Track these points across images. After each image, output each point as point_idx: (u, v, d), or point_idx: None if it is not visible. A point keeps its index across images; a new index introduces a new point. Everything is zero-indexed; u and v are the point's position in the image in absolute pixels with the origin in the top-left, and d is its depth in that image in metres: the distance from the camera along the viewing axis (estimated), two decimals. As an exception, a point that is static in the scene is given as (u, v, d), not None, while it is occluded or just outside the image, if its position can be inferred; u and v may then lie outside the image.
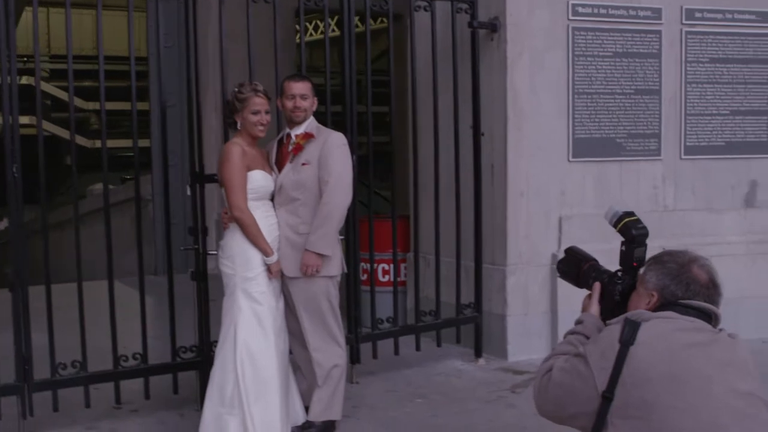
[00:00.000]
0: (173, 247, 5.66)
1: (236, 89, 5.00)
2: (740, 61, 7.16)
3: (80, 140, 19.85)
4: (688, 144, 7.08)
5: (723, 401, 2.50)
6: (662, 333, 2.57)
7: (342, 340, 5.16)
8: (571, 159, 6.72)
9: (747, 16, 7.15)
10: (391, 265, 6.76)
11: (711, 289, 2.70)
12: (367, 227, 6.28)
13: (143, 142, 10.75)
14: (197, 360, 5.45)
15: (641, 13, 6.84)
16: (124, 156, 14.62)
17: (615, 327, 2.64)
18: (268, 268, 4.87)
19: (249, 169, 4.89)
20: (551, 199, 6.68)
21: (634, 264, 2.91)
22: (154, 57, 9.12)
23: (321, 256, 4.86)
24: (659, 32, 6.91)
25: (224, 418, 4.76)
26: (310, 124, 5.03)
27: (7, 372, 5.09)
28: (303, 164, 4.93)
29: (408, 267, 6.97)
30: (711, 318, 2.67)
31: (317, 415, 5.07)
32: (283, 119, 5.20)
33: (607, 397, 2.56)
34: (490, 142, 6.60)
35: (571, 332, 2.95)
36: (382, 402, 5.74)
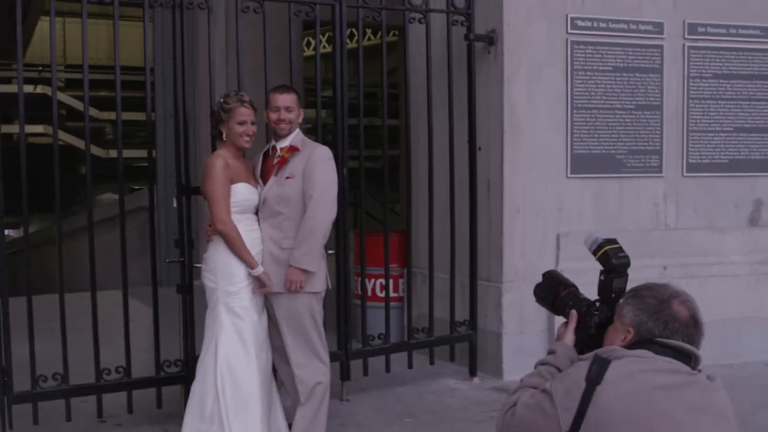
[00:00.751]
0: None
1: (222, 99, 4.94)
2: (744, 77, 7.04)
3: (95, 150, 19.95)
4: (690, 161, 6.96)
5: None
6: (632, 373, 2.42)
7: (326, 356, 5.06)
8: (569, 175, 6.61)
9: (751, 31, 7.03)
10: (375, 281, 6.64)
11: (691, 328, 2.54)
12: (369, 242, 6.22)
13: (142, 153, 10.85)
14: (182, 374, 5.38)
15: (642, 27, 6.75)
16: (133, 166, 14.69)
17: (583, 364, 2.50)
18: (255, 281, 4.80)
19: (233, 181, 4.83)
20: (548, 215, 6.58)
21: (613, 295, 2.75)
22: (159, 68, 9.17)
23: (305, 271, 4.77)
24: (661, 47, 6.81)
25: (203, 433, 4.70)
26: (295, 137, 4.96)
27: (-13, 384, 5.04)
28: (287, 178, 4.86)
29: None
30: (690, 359, 2.52)
31: (300, 432, 4.98)
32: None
33: None
34: (486, 157, 6.51)
35: (542, 362, 2.81)
36: (370, 420, 5.64)
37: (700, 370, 2.53)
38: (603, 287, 2.79)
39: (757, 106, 7.10)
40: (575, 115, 6.59)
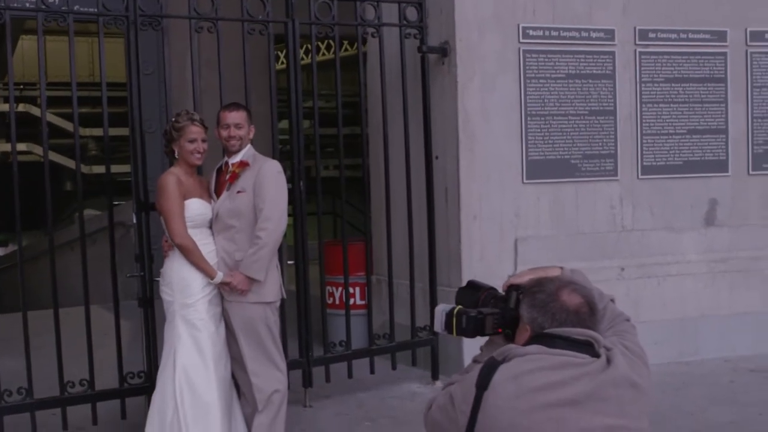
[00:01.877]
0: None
1: (173, 119, 5.08)
2: (696, 81, 7.21)
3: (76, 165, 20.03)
4: (645, 164, 7.12)
5: None
6: (514, 375, 2.47)
7: (282, 365, 5.20)
8: (525, 181, 6.76)
9: (702, 35, 7.20)
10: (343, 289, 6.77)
11: (583, 314, 2.57)
12: (331, 250, 6.32)
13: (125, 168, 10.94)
14: (145, 385, 5.50)
15: (594, 35, 6.91)
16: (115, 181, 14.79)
17: (478, 367, 2.56)
18: (222, 287, 4.95)
19: (186, 197, 4.96)
20: (505, 221, 6.72)
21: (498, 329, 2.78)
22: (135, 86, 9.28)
23: (252, 280, 4.92)
24: (612, 53, 6.97)
25: (164, 443, 4.83)
26: (246, 153, 5.10)
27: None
28: (238, 192, 5.00)
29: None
30: (590, 344, 2.54)
31: (258, 439, 5.12)
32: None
33: None
34: (443, 166, 6.67)
35: (474, 359, 2.86)
36: (330, 426, 5.78)
37: (600, 355, 2.53)
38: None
39: (709, 108, 7.26)
40: (529, 122, 6.74)
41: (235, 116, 5.07)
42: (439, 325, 2.82)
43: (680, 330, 7.11)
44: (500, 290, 2.85)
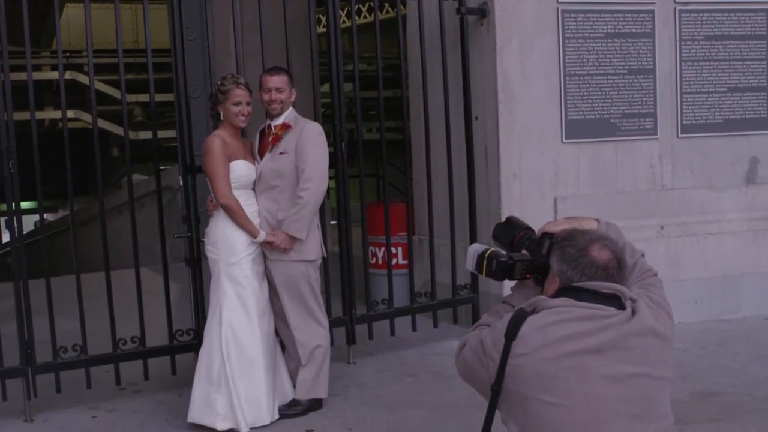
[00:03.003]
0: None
1: (219, 82, 5.22)
2: (737, 38, 7.17)
3: (122, 131, 20.30)
4: (684, 122, 7.11)
5: (597, 390, 2.53)
6: (541, 326, 2.57)
7: (324, 321, 5.37)
8: (564, 140, 6.81)
9: (743, -8, 7.15)
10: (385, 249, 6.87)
11: (612, 270, 2.65)
12: (373, 211, 6.42)
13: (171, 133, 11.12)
14: (193, 342, 5.68)
15: (633, -7, 6.90)
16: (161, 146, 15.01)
17: (507, 317, 2.67)
18: (265, 245, 5.11)
19: (231, 159, 5.12)
20: (545, 180, 6.79)
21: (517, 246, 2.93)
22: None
23: (294, 239, 5.07)
24: (652, 11, 6.96)
25: (212, 395, 5.02)
26: (288, 115, 5.23)
27: (13, 356, 5.39)
28: (281, 153, 5.14)
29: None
30: (617, 298, 2.63)
31: (303, 393, 5.29)
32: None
33: (495, 390, 2.62)
34: (483, 126, 6.73)
35: (503, 300, 2.98)
36: (373, 381, 5.92)
37: (626, 307, 2.62)
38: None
39: (750, 65, 7.22)
40: (568, 82, 6.78)
41: (276, 80, 5.19)
42: (470, 264, 2.92)
43: (721, 288, 7.14)
44: (537, 233, 2.93)
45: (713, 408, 5.21)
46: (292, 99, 5.27)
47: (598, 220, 2.94)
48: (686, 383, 5.51)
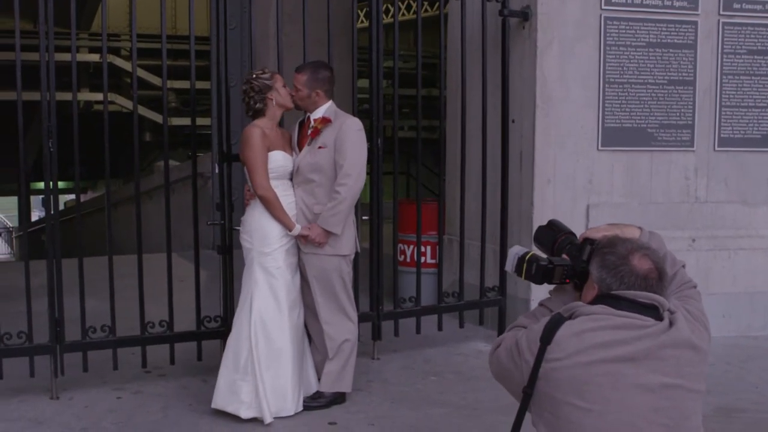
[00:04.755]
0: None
1: (254, 75, 5.19)
2: (780, 53, 7.13)
3: (157, 117, 20.46)
4: (722, 136, 7.07)
5: (630, 398, 2.54)
6: (577, 332, 2.58)
7: (354, 315, 5.38)
8: (600, 148, 6.78)
9: (787, 8, 7.09)
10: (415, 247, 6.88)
11: (651, 280, 2.65)
12: (405, 209, 6.42)
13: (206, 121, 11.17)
14: (221, 329, 5.72)
15: (677, 3, 6.85)
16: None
17: (544, 320, 2.68)
18: (300, 239, 5.14)
19: (270, 149, 5.14)
20: (579, 186, 6.77)
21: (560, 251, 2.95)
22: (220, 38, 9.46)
23: (329, 233, 5.08)
24: (695, 23, 6.91)
25: (237, 383, 5.05)
26: (328, 109, 5.25)
27: (42, 334, 5.44)
28: (319, 147, 5.15)
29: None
30: (656, 309, 2.63)
31: (327, 386, 5.31)
32: None
33: (527, 392, 2.64)
34: (519, 130, 6.72)
35: (541, 303, 2.99)
36: (396, 378, 5.93)
37: (663, 318, 2.62)
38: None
39: (791, 82, 7.17)
40: (607, 89, 6.75)
41: (296, 78, 5.24)
42: (510, 266, 2.94)
43: (750, 304, 7.10)
44: (578, 238, 2.94)
45: (737, 424, 5.20)
46: (317, 98, 5.23)
47: (641, 229, 2.94)
48: (711, 398, 5.48)
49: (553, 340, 2.59)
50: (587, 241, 2.86)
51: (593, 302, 2.71)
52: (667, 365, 2.59)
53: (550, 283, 2.90)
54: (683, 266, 2.96)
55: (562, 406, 2.58)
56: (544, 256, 2.93)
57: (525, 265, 2.89)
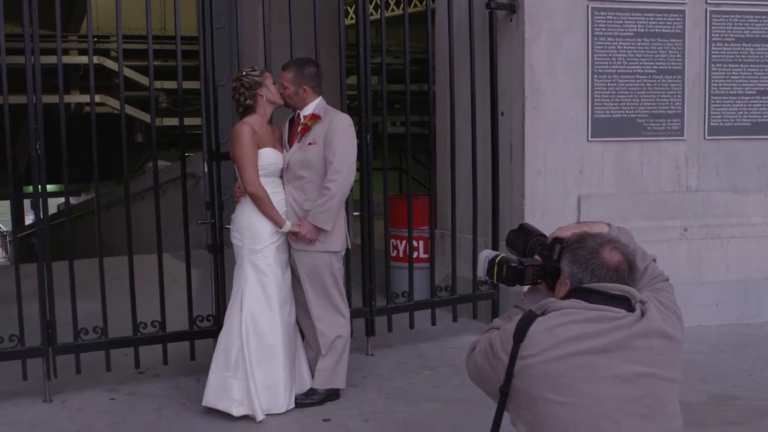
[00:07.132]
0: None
1: (243, 73, 5.19)
2: (767, 41, 7.11)
3: (148, 118, 20.43)
4: (712, 124, 7.07)
5: (605, 390, 2.55)
6: (550, 327, 2.60)
7: (346, 311, 5.38)
8: (590, 138, 6.78)
9: (775, -5, 7.09)
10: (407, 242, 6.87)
11: (622, 272, 2.69)
12: (396, 204, 6.41)
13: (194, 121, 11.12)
14: (213, 328, 5.70)
15: (664, -7, 6.86)
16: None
17: (516, 319, 2.69)
18: (290, 236, 5.13)
19: (259, 147, 5.13)
20: (569, 178, 6.77)
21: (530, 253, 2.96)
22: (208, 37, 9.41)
23: (320, 229, 5.08)
24: (683, 12, 6.91)
25: (228, 381, 5.04)
26: (318, 106, 5.23)
27: (34, 337, 5.42)
28: (309, 144, 5.14)
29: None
30: (627, 300, 2.65)
31: (321, 383, 5.30)
32: None
33: (503, 391, 2.64)
34: (508, 122, 6.72)
35: (515, 305, 3.00)
36: (390, 373, 5.93)
37: (635, 309, 2.63)
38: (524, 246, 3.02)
39: (780, 69, 7.17)
40: (596, 80, 6.75)
41: (282, 76, 5.23)
42: (481, 271, 2.97)
43: (743, 292, 7.10)
44: (548, 238, 2.96)
45: (732, 411, 5.19)
46: (304, 95, 5.22)
47: (609, 225, 2.97)
48: (705, 386, 5.50)
49: (526, 337, 2.60)
50: (557, 240, 2.89)
51: (565, 297, 2.72)
52: (640, 355, 2.60)
53: (522, 284, 2.92)
54: (654, 260, 2.99)
55: (539, 401, 2.59)
56: (514, 257, 2.94)
57: (496, 267, 2.92)
